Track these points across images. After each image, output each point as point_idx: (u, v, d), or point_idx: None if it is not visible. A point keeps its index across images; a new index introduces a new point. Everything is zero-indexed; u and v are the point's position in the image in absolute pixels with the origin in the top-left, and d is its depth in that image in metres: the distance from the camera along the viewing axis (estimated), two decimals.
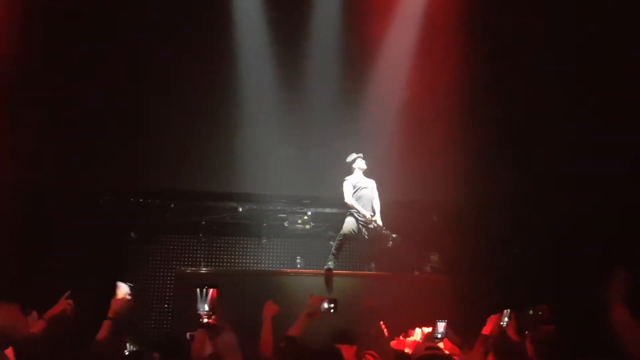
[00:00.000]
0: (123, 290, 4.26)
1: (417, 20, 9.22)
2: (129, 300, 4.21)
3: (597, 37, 8.09)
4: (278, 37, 9.18)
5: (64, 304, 4.03)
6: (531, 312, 3.74)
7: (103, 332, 3.93)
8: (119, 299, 4.14)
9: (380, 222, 7.61)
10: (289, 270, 8.79)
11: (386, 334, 4.94)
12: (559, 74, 8.44)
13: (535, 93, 8.60)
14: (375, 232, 7.55)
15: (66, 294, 4.09)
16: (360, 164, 7.91)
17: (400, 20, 9.23)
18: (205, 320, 3.30)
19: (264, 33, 9.20)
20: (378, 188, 7.96)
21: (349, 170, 7.99)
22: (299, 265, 9.20)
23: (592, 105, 8.29)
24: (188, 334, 3.40)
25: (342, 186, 7.88)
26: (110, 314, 4.06)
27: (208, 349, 3.28)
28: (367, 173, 8.00)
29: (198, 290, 3.32)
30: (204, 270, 8.74)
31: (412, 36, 9.25)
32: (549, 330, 3.60)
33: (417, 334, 5.15)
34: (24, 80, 7.46)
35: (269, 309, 3.87)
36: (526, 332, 3.86)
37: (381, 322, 5.00)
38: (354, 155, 7.97)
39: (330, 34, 9.26)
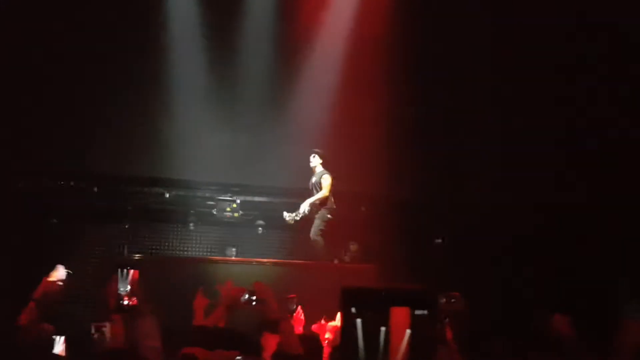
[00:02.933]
0: (59, 274, 4.10)
1: (351, 11, 9.32)
2: (59, 285, 4.04)
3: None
4: (209, 23, 9.07)
5: None
6: (444, 299, 3.92)
7: (26, 316, 3.72)
8: (50, 281, 3.96)
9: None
10: (216, 257, 8.73)
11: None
12: (485, 76, 8.80)
13: (461, 93, 8.94)
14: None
15: None
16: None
17: (334, 13, 9.30)
18: (126, 302, 3.22)
19: (195, 19, 9.06)
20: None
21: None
22: (234, 255, 9.09)
23: (512, 108, 8.72)
24: (93, 326, 3.28)
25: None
26: (36, 295, 3.85)
27: (126, 334, 3.21)
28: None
29: (119, 270, 3.24)
30: (128, 256, 8.52)
31: (346, 28, 9.34)
32: (463, 315, 3.79)
33: (339, 319, 5.26)
34: None
35: (200, 302, 3.83)
36: (446, 320, 4.01)
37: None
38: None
39: (263, 22, 9.22)
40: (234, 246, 9.12)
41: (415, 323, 2.47)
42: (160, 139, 8.92)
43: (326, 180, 7.67)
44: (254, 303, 3.69)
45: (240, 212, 9.35)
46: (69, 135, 8.55)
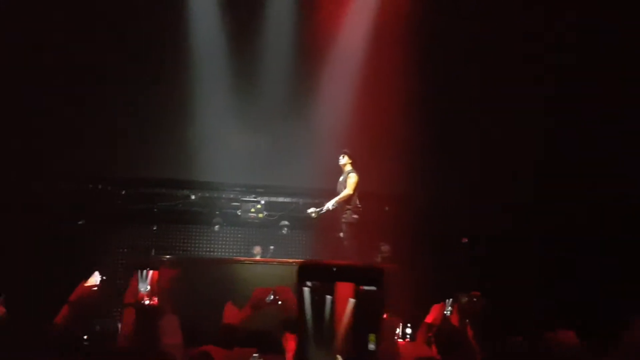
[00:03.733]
0: (94, 279, 4.15)
1: (371, 14, 9.29)
2: (94, 290, 4.09)
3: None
4: (232, 27, 9.13)
5: None
6: (466, 299, 3.89)
7: (61, 316, 3.74)
8: (86, 286, 4.01)
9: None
10: (241, 258, 8.78)
11: None
12: (517, 72, 8.67)
13: (489, 92, 8.82)
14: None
15: None
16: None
17: (354, 14, 9.28)
18: (147, 301, 3.27)
19: (217, 22, 9.14)
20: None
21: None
22: (270, 253, 9.10)
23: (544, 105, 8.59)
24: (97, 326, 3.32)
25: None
26: (72, 298, 3.84)
27: (142, 333, 3.24)
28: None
29: (139, 271, 3.29)
30: (155, 257, 8.62)
31: (367, 28, 9.31)
32: (482, 312, 3.76)
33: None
34: None
35: (230, 311, 3.84)
36: (466, 320, 3.99)
37: None
38: None
39: (285, 23, 9.24)
40: (271, 245, 9.12)
41: (361, 296, 2.73)
42: (186, 142, 9.03)
43: (352, 179, 7.65)
44: (279, 302, 3.71)
45: (265, 212, 9.40)
46: (99, 139, 8.69)
